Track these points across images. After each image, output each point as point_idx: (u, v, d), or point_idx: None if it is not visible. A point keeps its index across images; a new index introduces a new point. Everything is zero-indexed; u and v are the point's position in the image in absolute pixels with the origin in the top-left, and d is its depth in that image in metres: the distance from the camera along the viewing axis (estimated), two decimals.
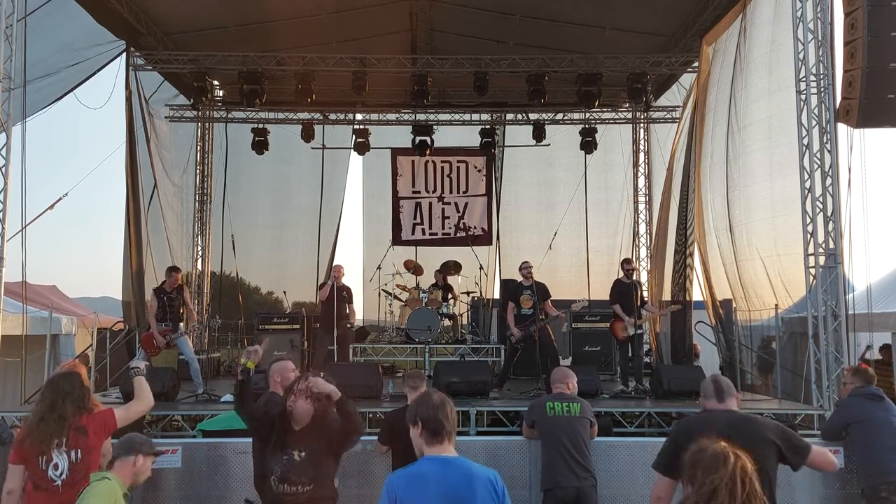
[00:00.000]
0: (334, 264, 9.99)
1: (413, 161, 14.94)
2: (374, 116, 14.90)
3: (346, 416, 3.73)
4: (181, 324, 8.88)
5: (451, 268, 12.91)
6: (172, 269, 9.11)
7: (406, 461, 4.88)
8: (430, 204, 15.13)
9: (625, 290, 9.09)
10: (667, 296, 11.65)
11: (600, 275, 14.54)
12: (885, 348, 9.47)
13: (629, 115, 14.85)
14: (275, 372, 4.71)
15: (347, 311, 9.95)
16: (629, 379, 9.02)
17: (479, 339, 12.48)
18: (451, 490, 2.63)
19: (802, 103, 7.77)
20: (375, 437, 5.12)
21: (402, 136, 14.57)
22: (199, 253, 14.66)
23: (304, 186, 15.18)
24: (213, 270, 14.83)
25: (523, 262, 9.40)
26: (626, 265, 9.43)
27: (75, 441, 3.68)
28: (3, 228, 7.43)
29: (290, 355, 10.94)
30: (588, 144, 14.07)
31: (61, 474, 3.63)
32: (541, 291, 9.01)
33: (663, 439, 6.24)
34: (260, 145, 13.88)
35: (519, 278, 9.44)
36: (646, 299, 11.39)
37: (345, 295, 9.80)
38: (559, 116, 14.58)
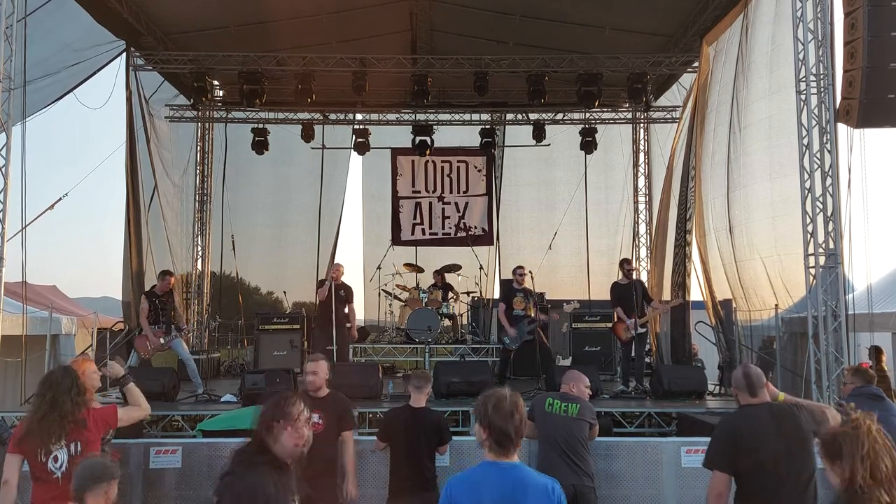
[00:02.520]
0: (334, 263, 9.81)
1: (413, 161, 14.92)
2: (374, 116, 14.89)
3: None
4: (173, 326, 8.92)
5: (447, 269, 12.90)
6: (166, 273, 9.14)
7: (403, 458, 4.97)
8: (430, 204, 15.10)
9: (623, 292, 9.12)
10: (667, 295, 11.64)
11: (600, 275, 14.54)
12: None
13: (629, 115, 14.83)
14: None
15: (346, 311, 9.34)
16: (630, 379, 9.05)
17: (479, 339, 12.47)
18: (503, 494, 2.67)
19: (802, 103, 7.75)
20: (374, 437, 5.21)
21: (402, 136, 14.56)
22: (199, 253, 14.65)
23: (304, 186, 15.18)
24: (213, 270, 14.82)
25: (517, 268, 9.46)
26: (625, 266, 9.45)
27: (75, 434, 3.69)
28: (3, 228, 7.43)
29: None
30: (588, 144, 14.06)
31: (61, 466, 3.63)
32: (532, 297, 9.15)
33: (663, 439, 6.29)
34: (260, 145, 13.87)
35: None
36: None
37: (342, 294, 9.23)
38: (559, 116, 14.57)
